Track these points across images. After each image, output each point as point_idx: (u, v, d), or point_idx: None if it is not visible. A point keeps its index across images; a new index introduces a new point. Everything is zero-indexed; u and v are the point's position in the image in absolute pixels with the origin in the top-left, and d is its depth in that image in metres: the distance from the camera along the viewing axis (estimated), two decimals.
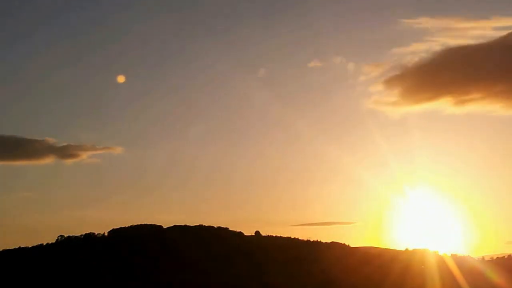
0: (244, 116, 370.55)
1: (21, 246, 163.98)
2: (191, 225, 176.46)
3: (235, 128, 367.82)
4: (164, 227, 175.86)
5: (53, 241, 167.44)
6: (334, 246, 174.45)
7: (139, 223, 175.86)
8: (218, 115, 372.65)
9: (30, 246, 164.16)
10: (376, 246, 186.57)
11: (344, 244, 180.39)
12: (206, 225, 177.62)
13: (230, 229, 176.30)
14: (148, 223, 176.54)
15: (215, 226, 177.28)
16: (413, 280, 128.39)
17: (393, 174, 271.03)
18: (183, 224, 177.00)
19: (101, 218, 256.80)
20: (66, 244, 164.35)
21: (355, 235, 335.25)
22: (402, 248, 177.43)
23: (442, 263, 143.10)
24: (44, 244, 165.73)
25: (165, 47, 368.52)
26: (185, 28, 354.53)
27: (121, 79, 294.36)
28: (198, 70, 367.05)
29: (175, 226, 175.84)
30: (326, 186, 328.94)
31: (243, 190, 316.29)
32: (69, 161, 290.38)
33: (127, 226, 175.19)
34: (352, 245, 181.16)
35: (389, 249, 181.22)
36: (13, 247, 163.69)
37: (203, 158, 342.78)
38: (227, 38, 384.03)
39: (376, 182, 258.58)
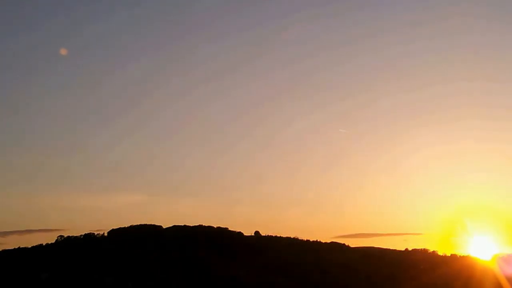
0: (249, 117, 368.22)
1: (21, 246, 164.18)
2: (191, 225, 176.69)
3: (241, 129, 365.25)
4: (164, 227, 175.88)
5: (53, 241, 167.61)
6: (334, 246, 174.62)
7: (139, 223, 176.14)
8: (219, 115, 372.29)
9: (29, 246, 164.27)
10: (376, 246, 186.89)
11: (344, 244, 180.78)
12: (206, 225, 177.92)
13: (230, 229, 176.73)
14: (148, 223, 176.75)
15: (215, 226, 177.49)
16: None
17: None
18: (183, 224, 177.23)
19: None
20: (66, 244, 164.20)
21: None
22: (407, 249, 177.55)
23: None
24: (44, 244, 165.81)
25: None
26: None
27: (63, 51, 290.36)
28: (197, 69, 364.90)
29: (175, 226, 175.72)
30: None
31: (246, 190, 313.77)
32: None
33: (127, 226, 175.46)
34: (352, 245, 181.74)
35: (389, 249, 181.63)
36: (13, 247, 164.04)
37: (203, 158, 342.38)
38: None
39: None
